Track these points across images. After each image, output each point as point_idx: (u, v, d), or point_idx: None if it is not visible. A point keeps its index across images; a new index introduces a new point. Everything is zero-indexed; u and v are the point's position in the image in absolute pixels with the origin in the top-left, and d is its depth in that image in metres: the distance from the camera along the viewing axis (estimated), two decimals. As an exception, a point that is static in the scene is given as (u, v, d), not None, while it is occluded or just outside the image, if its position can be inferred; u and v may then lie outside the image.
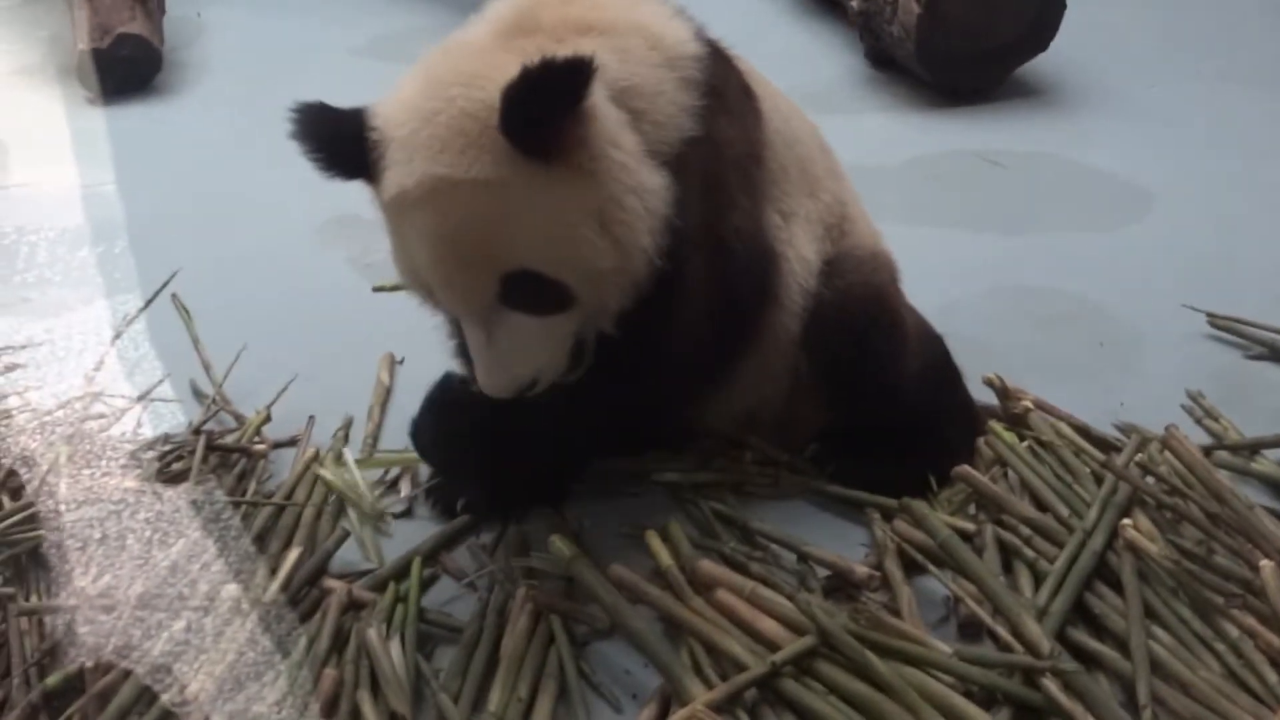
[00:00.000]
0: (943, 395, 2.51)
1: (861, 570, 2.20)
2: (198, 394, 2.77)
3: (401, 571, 2.26)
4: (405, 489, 2.49)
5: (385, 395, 2.78)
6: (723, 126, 2.18)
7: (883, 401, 2.40)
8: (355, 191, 3.66)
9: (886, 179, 3.78)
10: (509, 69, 1.87)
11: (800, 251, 2.36)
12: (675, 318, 2.13)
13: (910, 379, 2.43)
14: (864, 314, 2.39)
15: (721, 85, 2.19)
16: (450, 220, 1.92)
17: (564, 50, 1.91)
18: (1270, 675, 2.01)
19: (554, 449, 2.26)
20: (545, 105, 1.85)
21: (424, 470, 2.51)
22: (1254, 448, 2.57)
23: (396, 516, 2.43)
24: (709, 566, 2.16)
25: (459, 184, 1.89)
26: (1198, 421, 2.68)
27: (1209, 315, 3.03)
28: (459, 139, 1.88)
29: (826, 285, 2.38)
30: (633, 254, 2.00)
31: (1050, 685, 1.94)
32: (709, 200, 2.15)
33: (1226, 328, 3.01)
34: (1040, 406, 2.63)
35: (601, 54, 1.94)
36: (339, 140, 1.95)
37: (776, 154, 2.32)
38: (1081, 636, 2.10)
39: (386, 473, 2.55)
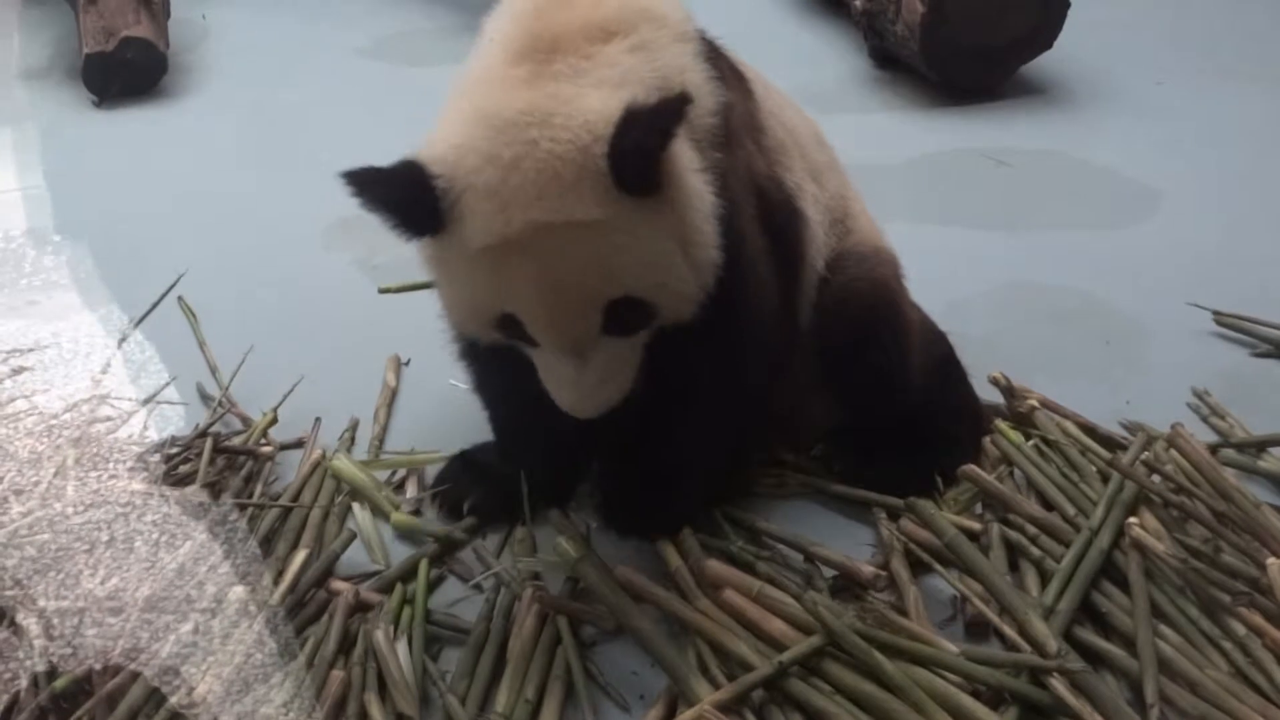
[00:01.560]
0: (947, 393, 2.51)
1: (868, 570, 2.19)
2: (204, 396, 2.78)
3: (408, 573, 2.27)
4: (412, 490, 2.49)
5: (391, 397, 2.78)
6: (731, 93, 2.19)
7: (886, 398, 2.40)
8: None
9: (892, 178, 3.78)
10: (581, 103, 1.89)
11: (816, 219, 2.36)
12: (745, 296, 2.14)
13: (914, 376, 2.43)
14: (867, 310, 2.39)
15: (719, 57, 2.22)
16: (556, 262, 1.93)
17: (599, 64, 1.95)
18: (1278, 673, 2.01)
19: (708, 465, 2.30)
20: (649, 145, 1.88)
21: (431, 471, 2.51)
22: (1261, 445, 2.56)
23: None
24: (716, 567, 2.17)
25: (563, 227, 1.89)
26: (1204, 419, 2.68)
27: (1215, 313, 3.03)
28: (555, 183, 1.87)
29: (831, 280, 2.38)
30: (706, 270, 2.04)
31: (1057, 685, 1.94)
32: (738, 156, 2.17)
33: (1233, 325, 3.00)
34: (1046, 405, 2.63)
35: (627, 58, 1.97)
36: (410, 199, 1.92)
37: (774, 131, 2.33)
38: (1088, 635, 2.10)
39: (393, 474, 2.55)
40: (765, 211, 2.22)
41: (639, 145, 1.87)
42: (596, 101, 1.91)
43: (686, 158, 2.00)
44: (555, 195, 1.88)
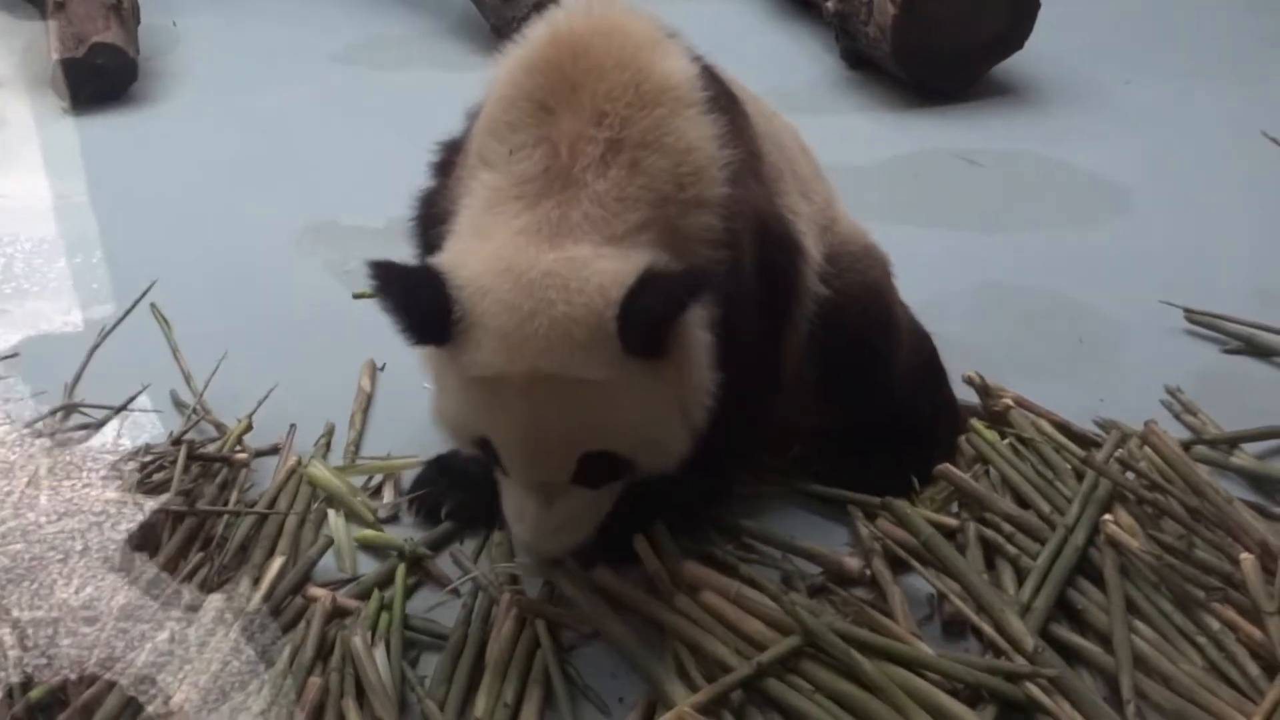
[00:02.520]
0: (930, 393, 2.52)
1: (852, 563, 2.21)
2: (178, 404, 2.76)
3: (386, 579, 2.26)
4: (389, 495, 2.49)
5: (367, 402, 2.77)
6: (736, 143, 2.17)
7: (874, 398, 2.40)
8: (334, 199, 3.69)
9: (865, 179, 3.79)
10: (598, 265, 1.93)
11: (811, 249, 2.37)
12: (738, 390, 2.14)
13: (902, 376, 2.43)
14: (859, 311, 2.39)
15: (716, 98, 2.20)
16: (545, 409, 1.97)
17: (611, 194, 1.98)
18: (1252, 668, 2.03)
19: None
20: (660, 314, 1.93)
21: (407, 476, 2.51)
22: (1232, 442, 2.59)
23: (383, 521, 2.43)
24: (694, 569, 2.17)
25: (565, 381, 1.94)
26: (1176, 416, 2.70)
27: (1186, 311, 3.05)
28: (566, 342, 1.92)
29: (824, 284, 2.39)
30: (699, 416, 2.08)
31: (1032, 685, 1.96)
32: (744, 203, 2.17)
33: (1204, 323, 3.03)
34: (1020, 404, 2.64)
35: (633, 178, 2.00)
36: (428, 310, 1.95)
37: (769, 155, 2.33)
38: (1064, 632, 2.11)
39: (369, 480, 2.54)
40: (766, 256, 2.23)
41: (650, 313, 1.92)
42: (612, 263, 1.94)
43: (698, 323, 2.03)
44: (564, 352, 1.93)
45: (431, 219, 2.29)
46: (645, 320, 1.92)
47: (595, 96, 2.02)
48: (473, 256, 1.98)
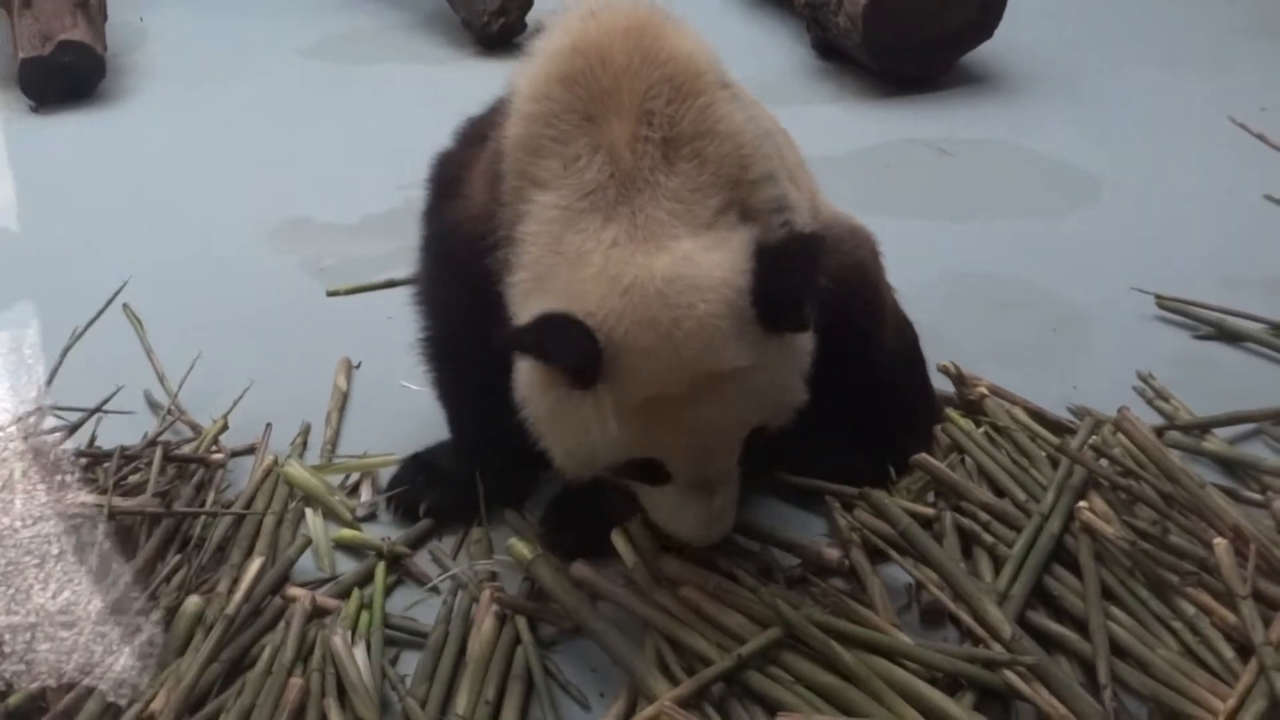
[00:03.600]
0: (910, 380, 2.52)
1: (831, 553, 2.22)
2: (153, 404, 2.75)
3: (365, 578, 2.26)
4: (366, 494, 2.48)
5: (343, 400, 2.77)
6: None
7: (858, 381, 2.40)
8: (307, 195, 3.68)
9: (837, 169, 3.79)
10: (710, 257, 1.94)
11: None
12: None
13: (886, 361, 2.43)
14: (848, 292, 2.38)
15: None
16: (714, 407, 1.98)
17: (682, 189, 1.98)
18: (1226, 651, 2.05)
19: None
20: (800, 291, 1.96)
21: (385, 474, 2.50)
22: (1204, 427, 2.61)
23: (361, 519, 2.43)
24: (673, 563, 2.17)
25: (722, 375, 1.95)
26: (1149, 403, 2.72)
27: (1157, 297, 3.07)
28: (714, 339, 1.92)
29: None
30: (806, 372, 2.10)
31: (1010, 673, 1.98)
32: None
33: (1175, 309, 3.05)
34: (995, 392, 2.66)
35: (697, 170, 2.01)
36: (584, 353, 1.91)
37: (762, 144, 2.34)
38: (1041, 619, 2.13)
39: (346, 478, 2.54)
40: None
41: (793, 293, 1.94)
42: (719, 252, 1.95)
43: None
44: (717, 349, 1.93)
45: (450, 182, 2.27)
46: (788, 299, 1.95)
47: (636, 97, 2.01)
48: (585, 286, 1.94)
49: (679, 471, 2.05)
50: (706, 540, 2.13)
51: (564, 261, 1.97)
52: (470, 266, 2.12)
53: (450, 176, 2.30)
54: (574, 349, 1.89)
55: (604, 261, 1.94)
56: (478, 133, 2.28)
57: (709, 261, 1.94)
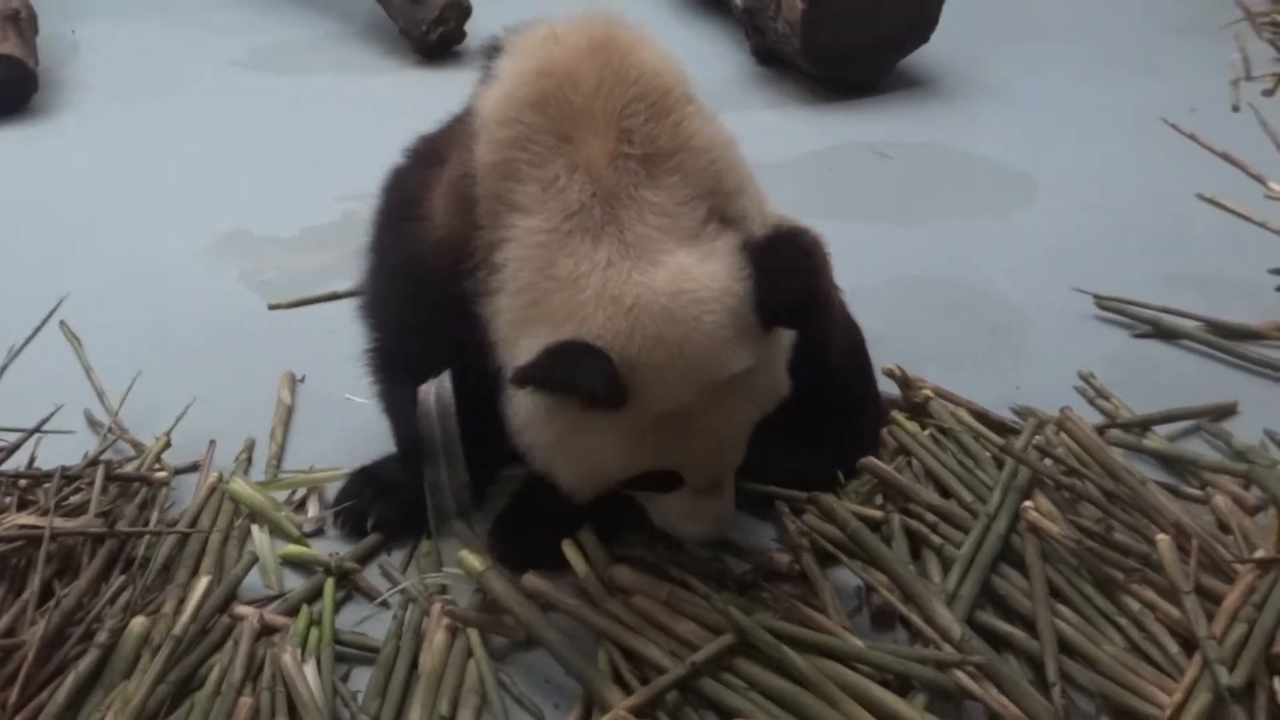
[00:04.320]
0: (857, 385, 2.54)
1: (781, 559, 2.23)
2: (93, 423, 2.71)
3: (314, 594, 2.24)
4: (313, 509, 2.46)
5: (287, 415, 2.74)
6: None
7: (806, 384, 2.41)
8: (245, 208, 3.64)
9: (779, 174, 3.79)
10: (706, 269, 1.96)
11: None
12: None
13: (832, 364, 2.44)
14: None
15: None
16: (727, 411, 2.03)
17: (664, 202, 2.01)
18: (1171, 646, 2.07)
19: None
20: (810, 287, 1.99)
21: (332, 489, 2.48)
22: (1144, 425, 2.65)
23: (308, 535, 2.41)
24: (624, 572, 2.17)
25: (732, 379, 1.98)
26: (1090, 401, 2.76)
27: (1096, 297, 3.11)
28: (725, 348, 1.95)
29: None
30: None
31: (960, 673, 1.99)
32: None
33: (1113, 308, 3.09)
34: (940, 394, 2.68)
35: (679, 184, 2.03)
36: (610, 377, 1.91)
37: (729, 155, 2.35)
38: (990, 619, 2.15)
39: (293, 493, 2.52)
40: None
41: (797, 294, 1.97)
42: (712, 262, 1.98)
43: None
44: (722, 358, 1.96)
45: (408, 202, 2.25)
46: (790, 300, 1.97)
47: (612, 116, 2.02)
48: (586, 310, 1.94)
49: (693, 477, 2.08)
50: (719, 536, 2.18)
51: (558, 286, 1.96)
52: (437, 289, 2.10)
53: (408, 196, 2.27)
54: (603, 375, 1.89)
55: (602, 283, 1.94)
56: (433, 152, 2.26)
57: (706, 273, 1.96)
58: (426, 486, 2.31)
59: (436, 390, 2.22)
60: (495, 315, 2.04)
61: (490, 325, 2.05)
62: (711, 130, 2.12)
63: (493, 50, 2.17)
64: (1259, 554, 2.18)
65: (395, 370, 2.36)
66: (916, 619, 2.11)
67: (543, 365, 1.91)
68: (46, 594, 2.17)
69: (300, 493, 2.52)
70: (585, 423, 1.98)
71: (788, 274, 1.97)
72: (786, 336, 2.09)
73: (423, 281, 2.16)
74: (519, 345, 1.98)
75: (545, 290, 1.97)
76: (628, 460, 2.03)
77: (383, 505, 2.40)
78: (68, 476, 2.42)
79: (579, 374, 1.89)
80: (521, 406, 2.02)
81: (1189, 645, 2.06)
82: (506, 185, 2.03)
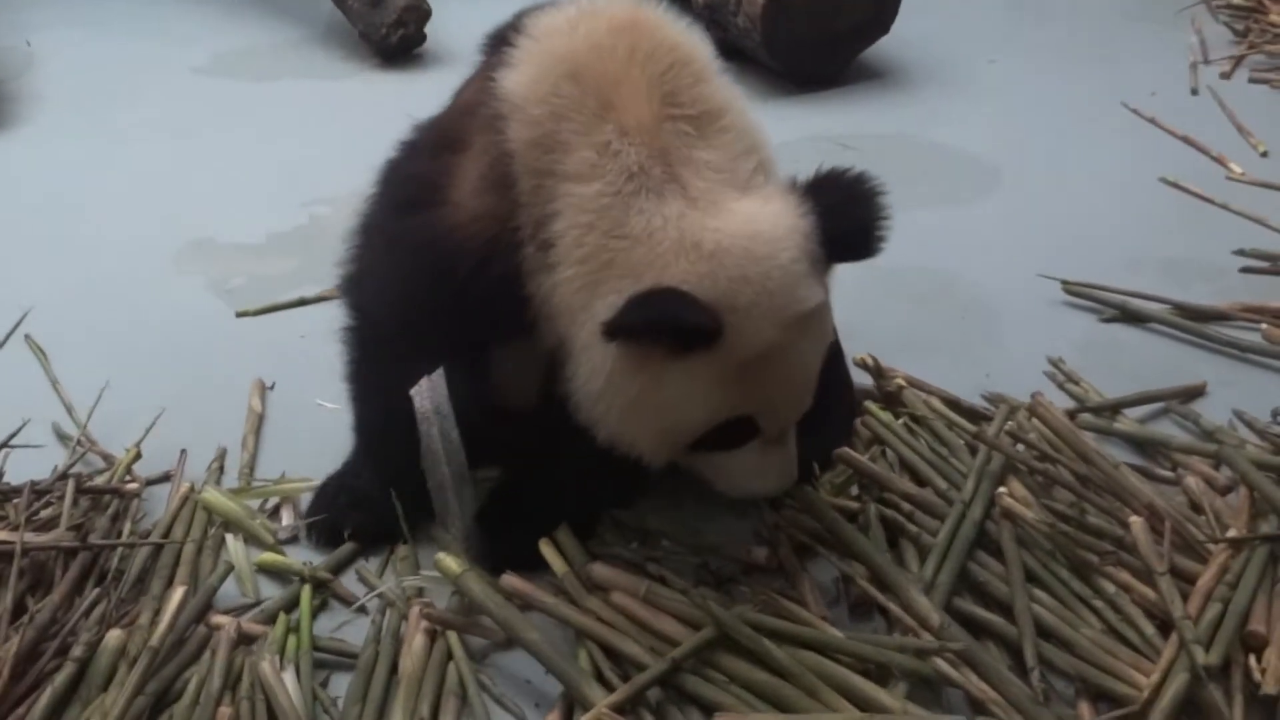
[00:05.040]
0: (830, 376, 2.53)
1: (759, 553, 2.24)
2: (61, 436, 2.68)
3: (291, 602, 2.23)
4: (287, 517, 2.44)
5: (258, 422, 2.72)
6: None
7: None
8: (209, 216, 3.61)
9: (744, 169, 3.81)
10: (771, 208, 2.01)
11: None
12: None
13: None
14: None
15: None
16: (805, 348, 2.07)
17: (714, 157, 2.04)
18: (1147, 627, 2.09)
19: None
20: (873, 215, 2.04)
21: (306, 497, 2.47)
22: (1115, 408, 2.67)
23: (283, 542, 2.39)
24: (603, 570, 2.17)
25: (807, 314, 2.02)
26: (1060, 386, 2.77)
27: (1063, 283, 3.14)
28: (802, 282, 1.99)
29: None
30: None
31: (940, 662, 2.01)
32: None
33: (1080, 294, 3.11)
34: (912, 383, 2.69)
35: (722, 138, 2.06)
36: (695, 318, 1.92)
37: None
38: (968, 605, 2.16)
39: (265, 501, 2.50)
40: None
41: (865, 225, 2.03)
42: (775, 205, 2.02)
43: None
44: (801, 293, 1.99)
45: (426, 190, 2.20)
46: (859, 231, 2.03)
47: (653, 81, 2.04)
48: (665, 259, 1.95)
49: (770, 423, 2.09)
50: (786, 487, 2.19)
51: (633, 243, 1.97)
52: (468, 274, 2.08)
53: (423, 184, 2.22)
54: (699, 311, 1.91)
55: (679, 233, 1.96)
56: (447, 140, 2.23)
57: (772, 213, 2.01)
58: (430, 488, 2.29)
59: (430, 390, 2.21)
60: (554, 289, 2.03)
61: (546, 301, 2.05)
62: (739, 93, 2.17)
63: (502, 38, 2.17)
64: (1231, 533, 2.20)
65: (370, 371, 2.34)
66: (895, 608, 2.12)
67: (634, 312, 1.91)
68: (20, 609, 2.15)
69: (274, 500, 2.50)
70: (669, 373, 1.97)
71: (849, 205, 2.03)
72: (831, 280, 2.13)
73: (447, 267, 2.11)
74: (594, 308, 1.98)
75: (618, 250, 1.98)
76: (713, 408, 2.02)
77: (357, 514, 2.38)
78: (38, 491, 2.40)
79: (674, 312, 1.90)
80: (598, 367, 2.00)
81: (1165, 626, 2.08)
82: (552, 158, 2.03)
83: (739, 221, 1.98)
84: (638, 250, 1.97)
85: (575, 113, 2.03)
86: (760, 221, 1.99)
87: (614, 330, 1.91)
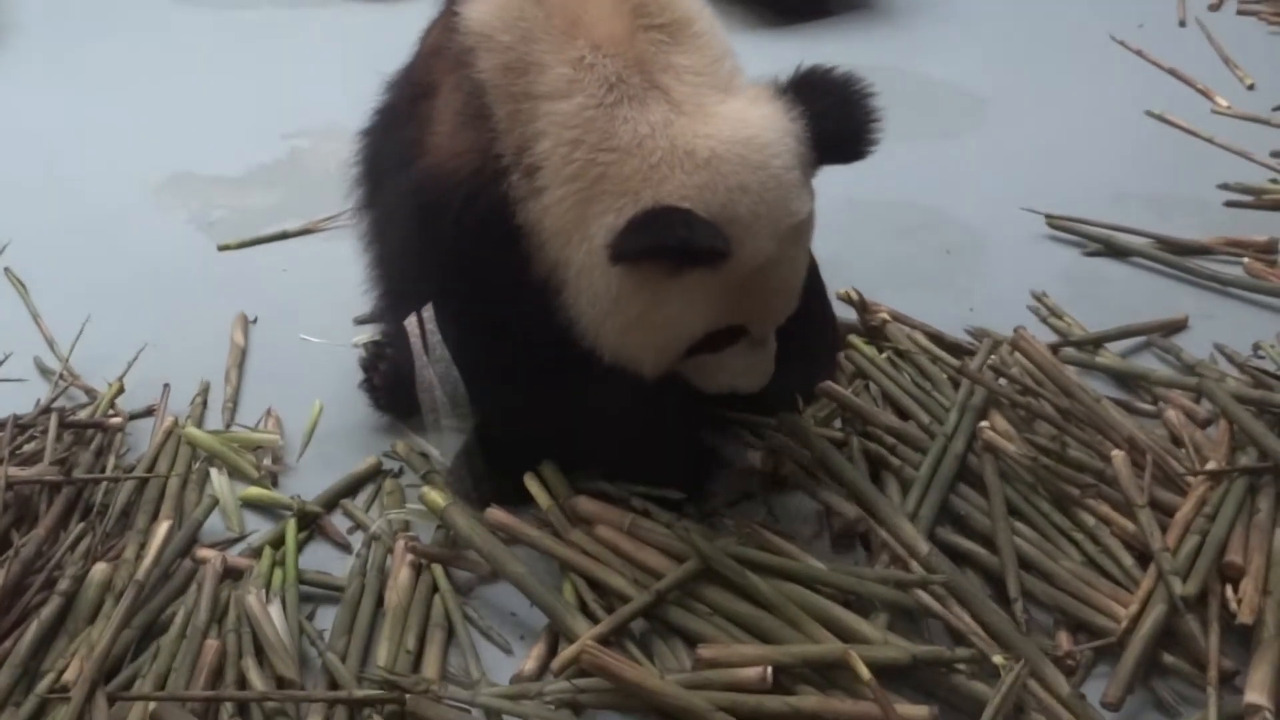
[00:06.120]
0: (814, 309, 2.53)
1: (754, 456, 2.30)
2: (44, 370, 2.67)
3: (276, 536, 2.23)
4: (269, 460, 2.44)
5: (241, 357, 2.71)
6: None
7: None
8: (189, 148, 3.58)
9: (728, 101, 3.79)
10: (756, 112, 1.97)
11: None
12: None
13: None
14: None
15: None
16: (795, 255, 2.05)
17: (686, 61, 1.99)
18: (1126, 559, 2.11)
19: None
20: (866, 120, 2.03)
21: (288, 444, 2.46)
22: (1097, 342, 2.68)
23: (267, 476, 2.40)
24: (587, 503, 2.18)
25: (800, 222, 2.00)
26: (1043, 320, 2.78)
27: (1047, 216, 3.13)
28: (795, 190, 1.97)
29: None
30: None
31: (921, 592, 2.03)
32: None
33: (1064, 228, 3.11)
34: (895, 317, 2.70)
35: (694, 42, 2.02)
36: (704, 236, 1.88)
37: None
38: (951, 536, 2.18)
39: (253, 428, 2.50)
40: None
41: (861, 123, 2.00)
42: (763, 107, 1.99)
43: None
44: (796, 201, 1.98)
45: (409, 147, 2.16)
46: (855, 130, 2.01)
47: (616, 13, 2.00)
48: (661, 171, 1.91)
49: (759, 328, 2.07)
50: (765, 384, 2.14)
51: (623, 155, 1.92)
52: (461, 211, 2.03)
53: (408, 144, 2.17)
54: (711, 231, 1.88)
55: (669, 142, 1.92)
56: (420, 89, 2.19)
57: (761, 116, 1.97)
58: (418, 383, 2.28)
59: (424, 324, 2.20)
60: (544, 214, 1.98)
61: (536, 228, 2.00)
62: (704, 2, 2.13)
63: None
64: (1210, 466, 2.22)
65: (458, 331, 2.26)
66: (886, 535, 2.14)
67: (640, 235, 1.87)
68: (5, 543, 2.16)
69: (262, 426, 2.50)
70: (670, 290, 1.95)
71: (842, 107, 2.00)
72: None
73: (438, 213, 2.07)
74: (589, 228, 1.94)
75: (608, 163, 1.93)
76: (710, 320, 2.01)
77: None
78: (20, 425, 2.40)
79: (687, 236, 1.87)
80: (598, 289, 1.97)
81: (1144, 558, 2.10)
82: (527, 79, 1.99)
83: (730, 126, 1.94)
84: (629, 162, 1.92)
85: (544, 33, 1.99)
86: (751, 125, 1.95)
87: (619, 254, 1.88)
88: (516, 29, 2.01)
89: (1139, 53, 4.05)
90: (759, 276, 1.98)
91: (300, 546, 2.22)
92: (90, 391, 2.58)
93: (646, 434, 2.21)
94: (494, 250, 2.04)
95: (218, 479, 2.36)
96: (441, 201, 2.06)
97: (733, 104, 1.98)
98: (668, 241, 1.87)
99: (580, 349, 2.04)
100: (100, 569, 2.11)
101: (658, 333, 2.01)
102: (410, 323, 2.20)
